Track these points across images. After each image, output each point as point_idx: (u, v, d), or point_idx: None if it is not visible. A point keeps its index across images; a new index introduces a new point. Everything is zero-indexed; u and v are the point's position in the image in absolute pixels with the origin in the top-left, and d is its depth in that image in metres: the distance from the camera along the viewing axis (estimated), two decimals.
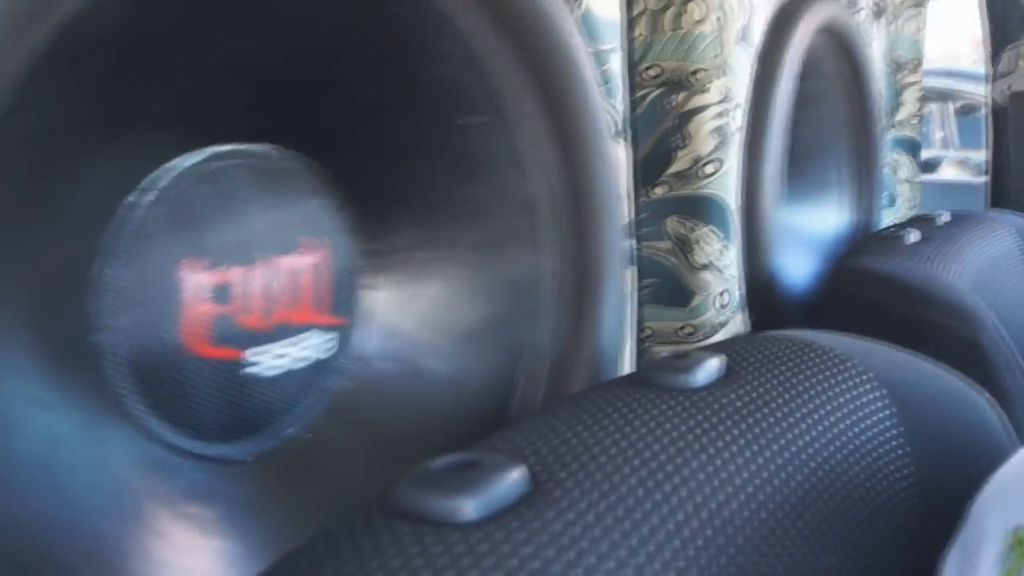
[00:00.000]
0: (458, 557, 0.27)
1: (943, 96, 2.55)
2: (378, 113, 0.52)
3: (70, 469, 0.39)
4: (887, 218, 1.23)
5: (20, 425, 0.38)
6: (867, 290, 0.85)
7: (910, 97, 1.30)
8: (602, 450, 0.35)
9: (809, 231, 1.09)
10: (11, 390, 0.37)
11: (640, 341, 0.81)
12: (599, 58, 0.64)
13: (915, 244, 0.94)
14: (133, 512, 0.42)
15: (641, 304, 0.83)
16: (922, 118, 1.31)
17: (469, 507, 0.29)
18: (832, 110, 1.14)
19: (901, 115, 1.30)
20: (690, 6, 0.80)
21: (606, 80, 0.65)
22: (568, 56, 0.53)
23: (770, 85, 0.88)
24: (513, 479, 0.31)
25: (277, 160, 0.50)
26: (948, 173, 2.51)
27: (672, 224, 0.83)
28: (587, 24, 0.62)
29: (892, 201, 1.28)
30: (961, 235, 0.99)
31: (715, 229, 0.83)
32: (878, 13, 1.22)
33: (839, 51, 1.11)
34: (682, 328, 0.83)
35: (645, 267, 0.84)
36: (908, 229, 0.97)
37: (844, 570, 0.37)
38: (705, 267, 0.83)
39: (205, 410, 0.46)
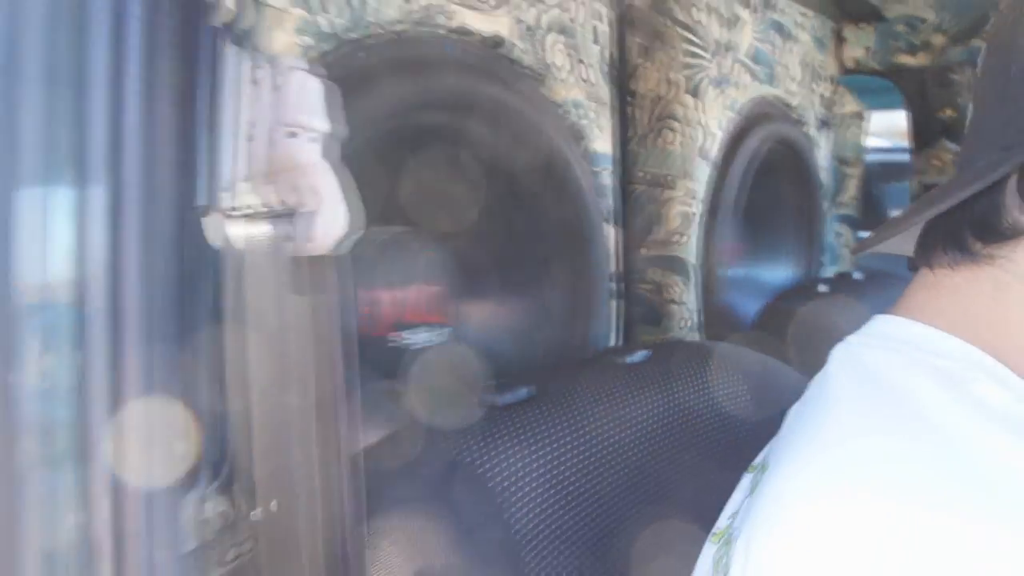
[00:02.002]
0: (495, 418, 0.71)
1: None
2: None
3: None
4: (828, 273, 1.66)
5: None
6: (775, 321, 1.29)
7: (851, 184, 1.74)
8: (570, 386, 0.79)
9: (760, 279, 1.54)
10: None
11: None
12: (599, 176, 1.10)
13: (823, 293, 1.37)
14: None
15: (635, 322, 1.27)
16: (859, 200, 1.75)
17: (503, 398, 0.73)
18: (784, 194, 1.58)
19: (844, 198, 1.75)
20: (664, 132, 1.26)
21: (601, 189, 1.11)
22: (579, 189, 1.00)
23: (721, 185, 1.33)
24: (523, 391, 0.75)
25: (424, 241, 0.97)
26: None
27: (652, 273, 1.28)
28: (591, 157, 1.08)
29: (835, 261, 1.71)
30: (863, 289, 1.42)
31: (680, 278, 1.27)
32: (823, 125, 1.66)
33: (789, 155, 1.56)
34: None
35: (637, 300, 1.28)
36: (823, 283, 1.41)
37: None
38: (672, 301, 1.27)
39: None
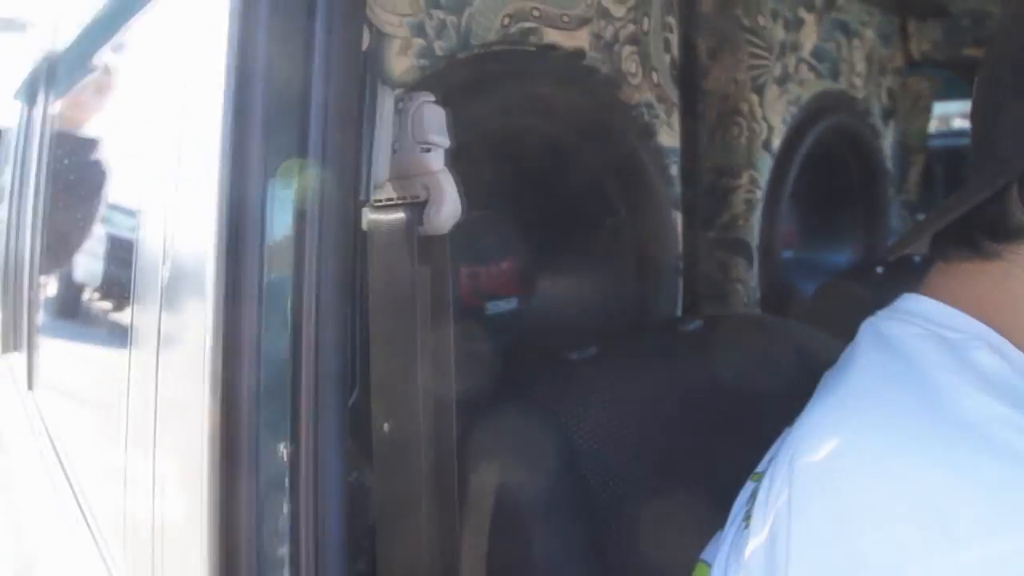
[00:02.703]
0: (570, 371, 0.87)
1: None
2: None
3: None
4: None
5: None
6: (830, 299, 1.41)
7: (915, 172, 1.83)
8: (632, 347, 0.95)
9: (822, 262, 1.65)
10: None
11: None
12: (667, 168, 1.24)
13: (880, 274, 1.48)
14: None
15: (698, 300, 1.41)
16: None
17: (575, 355, 0.89)
18: (848, 182, 1.69)
19: (908, 184, 1.84)
20: (730, 127, 1.40)
21: (669, 179, 1.26)
22: (647, 179, 1.15)
23: (782, 174, 1.46)
24: (592, 350, 0.90)
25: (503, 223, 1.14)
26: None
27: (716, 254, 1.42)
28: (660, 151, 1.23)
29: None
30: (920, 271, 1.51)
31: (741, 259, 1.41)
32: (889, 116, 1.76)
33: (853, 144, 1.67)
34: None
35: (701, 279, 1.43)
36: (882, 264, 1.51)
37: None
38: (735, 280, 1.41)
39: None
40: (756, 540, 0.52)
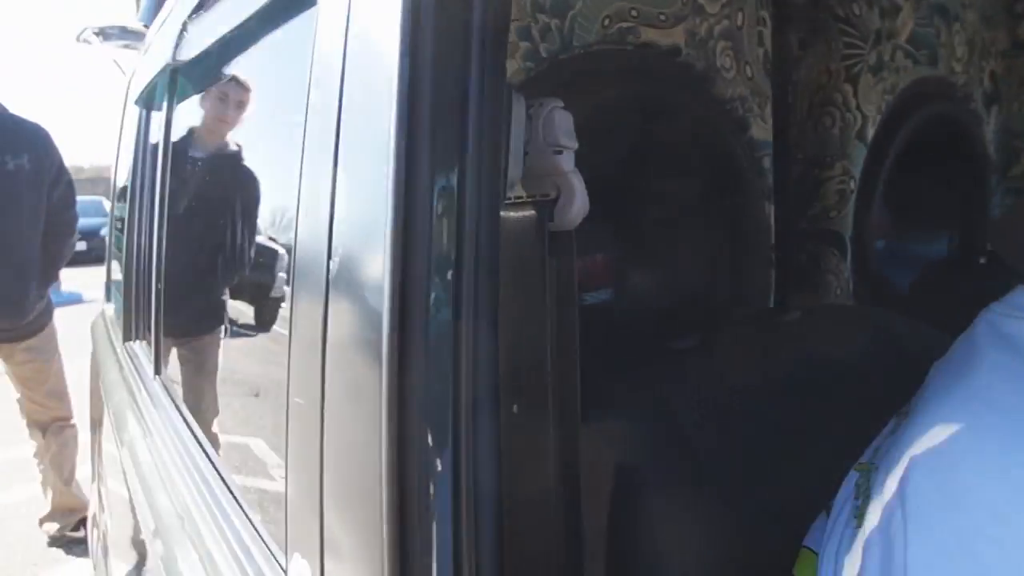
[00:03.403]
0: (677, 360, 0.90)
1: None
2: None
3: None
4: None
5: None
6: (929, 289, 1.40)
7: (1022, 158, 1.78)
8: (732, 336, 0.97)
9: (920, 252, 1.63)
10: None
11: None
12: (760, 160, 1.26)
13: (981, 265, 1.46)
14: None
15: (792, 291, 1.42)
16: None
17: (678, 344, 0.92)
18: (948, 170, 1.66)
19: (1015, 171, 1.79)
20: (823, 118, 1.40)
21: (762, 171, 1.27)
22: (740, 172, 1.16)
23: (877, 164, 1.45)
24: (694, 340, 0.93)
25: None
26: None
27: (809, 245, 1.42)
28: (753, 143, 1.24)
29: None
30: None
31: (834, 250, 1.41)
32: (992, 101, 1.72)
33: (952, 132, 1.63)
34: None
35: (794, 270, 1.43)
36: (985, 254, 1.49)
37: None
38: (827, 272, 1.41)
39: None
40: (869, 539, 0.51)
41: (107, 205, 15.84)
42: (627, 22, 1.01)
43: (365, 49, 0.51)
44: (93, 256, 14.91)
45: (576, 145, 0.58)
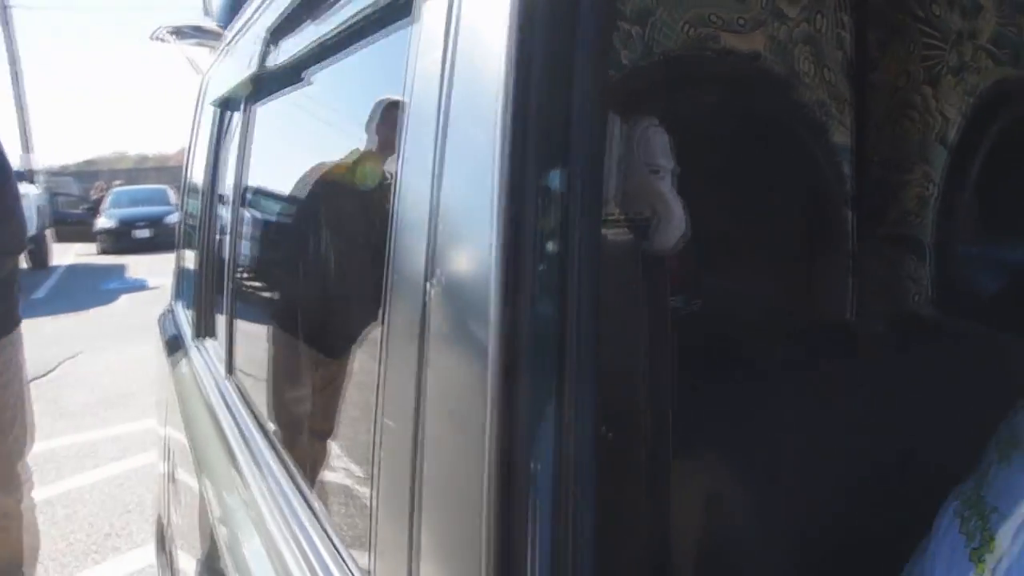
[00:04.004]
0: (758, 373, 0.90)
1: None
2: None
3: None
4: None
5: None
6: (1017, 300, 1.36)
7: None
8: (816, 348, 0.95)
9: (1004, 259, 1.58)
10: None
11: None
12: (839, 165, 1.23)
13: None
14: None
15: (870, 297, 1.39)
16: None
17: (757, 357, 0.91)
18: None
19: None
20: (902, 121, 1.36)
21: (841, 176, 1.24)
22: (820, 177, 1.14)
23: (958, 168, 1.41)
24: (775, 351, 0.92)
25: None
26: None
27: (889, 251, 1.39)
28: (833, 148, 1.22)
29: None
30: None
31: (914, 256, 1.38)
32: None
33: None
34: None
35: (873, 275, 1.40)
36: None
37: None
38: (907, 277, 1.38)
39: None
40: None
41: (171, 194, 16.12)
42: (707, 28, 1.00)
43: (468, 59, 0.51)
44: (158, 243, 15.37)
45: (673, 165, 0.58)
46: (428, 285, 0.51)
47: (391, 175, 0.61)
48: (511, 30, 0.46)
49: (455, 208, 0.51)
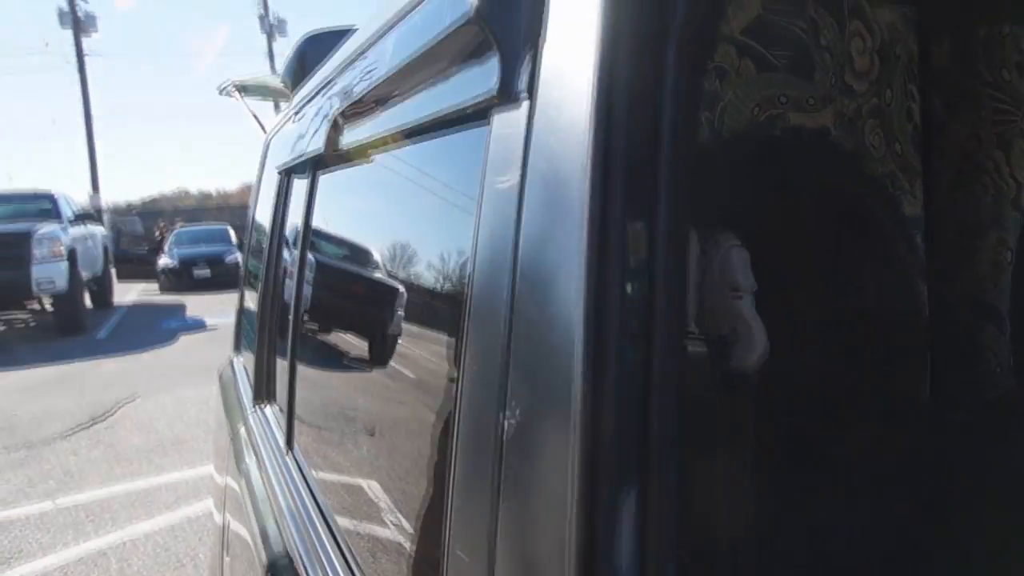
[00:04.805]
0: (831, 465, 0.87)
1: None
2: None
3: None
4: None
5: None
6: None
7: None
8: (894, 440, 0.91)
9: None
10: None
11: None
12: (913, 238, 1.20)
13: None
14: None
15: (946, 371, 1.33)
16: None
17: (832, 445, 0.88)
18: None
19: None
20: (973, 187, 1.32)
21: (913, 247, 1.21)
22: (897, 252, 1.11)
23: None
24: (843, 439, 0.89)
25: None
26: None
27: (965, 321, 1.34)
28: (902, 220, 1.19)
29: None
30: None
31: (991, 326, 1.33)
32: None
33: None
34: None
35: (948, 349, 1.35)
36: None
37: None
38: (986, 348, 1.33)
39: None
40: None
41: (232, 233, 16.60)
42: (776, 108, 0.99)
43: (545, 178, 0.51)
44: (217, 281, 15.77)
45: (753, 284, 0.56)
46: (504, 415, 0.51)
47: (469, 270, 0.61)
48: (591, 161, 0.46)
49: (533, 310, 0.51)
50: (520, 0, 0.55)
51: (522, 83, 0.53)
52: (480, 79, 0.59)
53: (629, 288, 0.44)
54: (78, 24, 27.59)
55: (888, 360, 1.13)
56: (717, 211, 0.60)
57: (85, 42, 27.81)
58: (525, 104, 0.52)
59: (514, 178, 0.52)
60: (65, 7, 27.62)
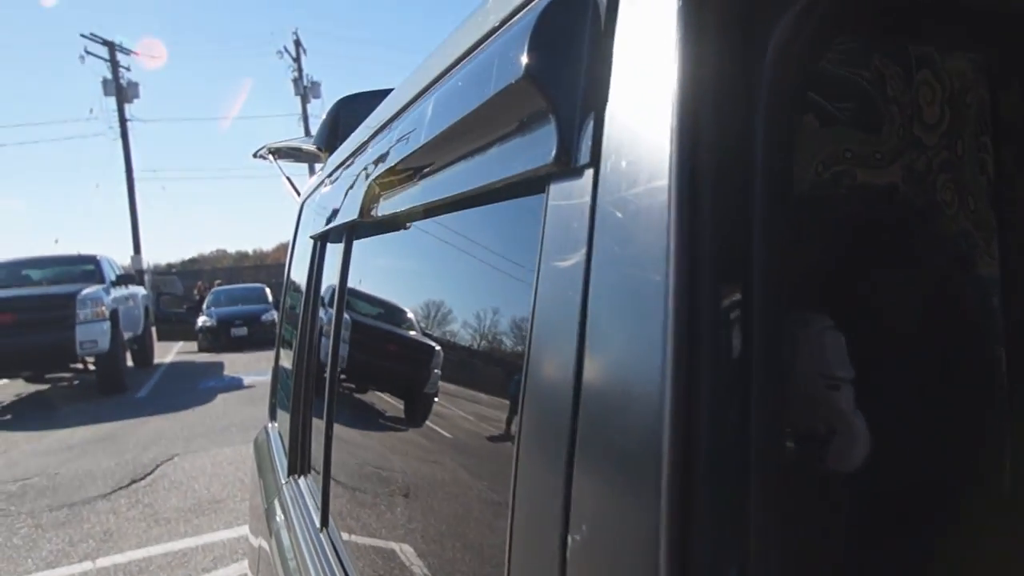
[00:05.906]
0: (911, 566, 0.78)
1: None
2: None
3: None
4: None
5: None
6: None
7: None
8: (978, 537, 0.83)
9: None
10: None
11: None
12: (989, 301, 1.11)
13: None
14: None
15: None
16: None
17: (912, 540, 0.79)
18: None
19: None
20: None
21: (989, 311, 1.12)
22: (971, 317, 1.03)
23: None
24: (926, 532, 0.81)
25: None
26: None
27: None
28: (977, 282, 1.10)
29: None
30: None
31: None
32: None
33: None
34: None
35: None
36: None
37: None
38: None
39: None
40: None
41: (268, 293, 16.95)
42: (841, 165, 0.92)
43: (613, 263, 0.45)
44: (254, 340, 15.94)
45: (852, 374, 0.49)
46: (569, 531, 0.44)
47: (524, 353, 0.55)
48: (676, 243, 0.40)
49: (607, 411, 0.45)
50: (578, 58, 0.49)
51: (584, 150, 0.48)
52: (534, 145, 0.54)
53: (721, 395, 0.38)
54: (121, 92, 28.55)
55: (963, 430, 1.04)
56: (798, 288, 0.53)
57: (127, 109, 28.72)
58: (588, 174, 0.46)
59: (578, 256, 0.46)
60: (109, 76, 28.62)
